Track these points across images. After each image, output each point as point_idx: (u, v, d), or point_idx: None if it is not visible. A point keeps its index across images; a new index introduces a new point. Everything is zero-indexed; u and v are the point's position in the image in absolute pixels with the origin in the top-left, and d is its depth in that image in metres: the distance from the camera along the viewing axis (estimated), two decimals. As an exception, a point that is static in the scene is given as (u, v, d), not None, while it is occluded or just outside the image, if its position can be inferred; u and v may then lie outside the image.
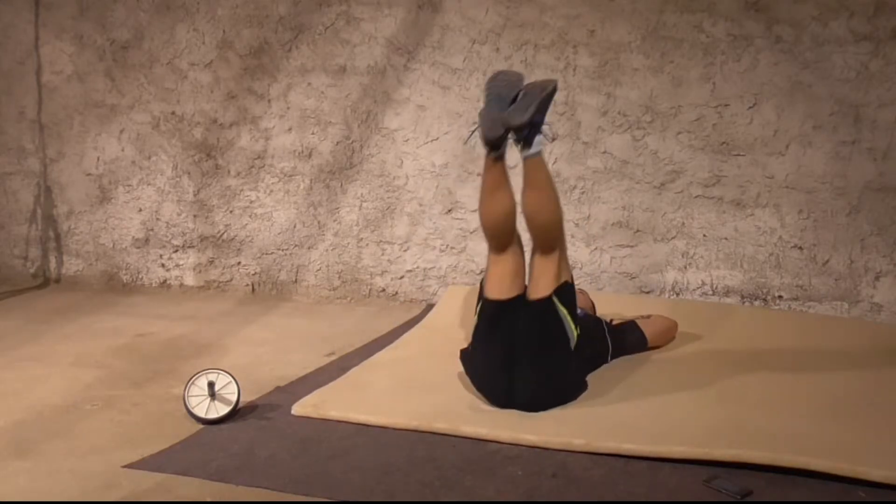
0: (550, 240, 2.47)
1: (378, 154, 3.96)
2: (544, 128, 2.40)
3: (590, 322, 2.81)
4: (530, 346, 2.40)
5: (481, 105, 2.44)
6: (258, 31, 4.04)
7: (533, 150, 2.41)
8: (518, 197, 2.50)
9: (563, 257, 2.52)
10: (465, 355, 2.56)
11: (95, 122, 4.35)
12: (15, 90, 4.46)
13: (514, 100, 2.36)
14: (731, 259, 3.57)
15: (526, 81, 2.43)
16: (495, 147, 2.41)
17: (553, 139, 2.48)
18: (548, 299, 2.42)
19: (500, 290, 2.47)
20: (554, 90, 2.41)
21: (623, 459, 2.10)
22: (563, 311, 2.44)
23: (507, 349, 2.42)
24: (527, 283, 2.51)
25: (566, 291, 2.49)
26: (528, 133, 2.37)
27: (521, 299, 2.47)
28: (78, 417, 2.47)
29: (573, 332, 2.45)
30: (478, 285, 2.62)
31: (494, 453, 2.16)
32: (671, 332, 3.01)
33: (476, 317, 2.54)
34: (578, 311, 2.85)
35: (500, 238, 2.50)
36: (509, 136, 2.39)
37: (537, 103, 2.35)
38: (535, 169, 2.44)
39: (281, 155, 4.10)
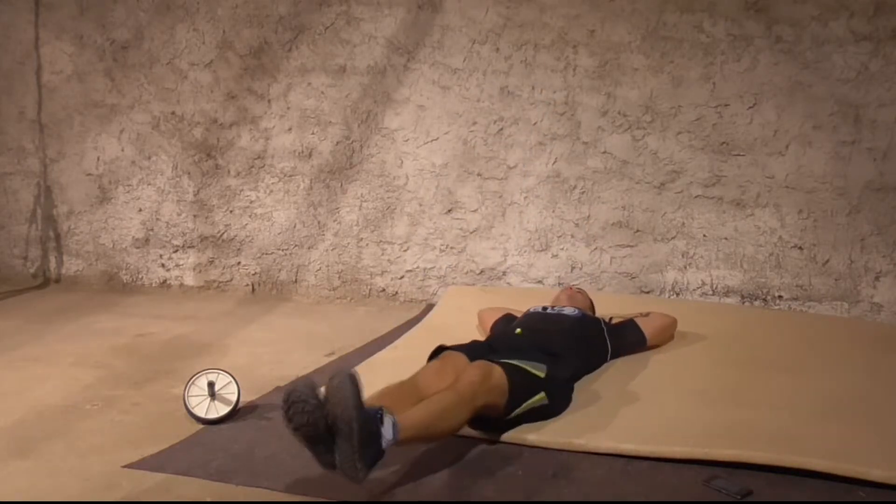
0: None
1: (378, 154, 3.96)
2: (384, 440, 1.86)
3: (584, 322, 2.80)
4: None
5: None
6: (258, 31, 4.04)
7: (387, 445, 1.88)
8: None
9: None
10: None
11: (95, 122, 4.35)
12: (15, 90, 4.46)
13: (330, 441, 1.83)
14: (731, 259, 3.57)
15: (317, 390, 1.85)
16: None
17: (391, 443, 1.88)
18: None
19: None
20: (358, 415, 1.80)
21: (623, 459, 2.10)
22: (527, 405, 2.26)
23: None
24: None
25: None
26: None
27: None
28: (78, 417, 2.47)
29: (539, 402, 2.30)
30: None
31: (494, 453, 2.16)
32: (670, 329, 3.00)
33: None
34: (573, 310, 2.84)
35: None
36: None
37: (365, 447, 1.80)
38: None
39: (281, 155, 4.10)
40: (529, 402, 2.26)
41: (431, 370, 2.33)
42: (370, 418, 1.84)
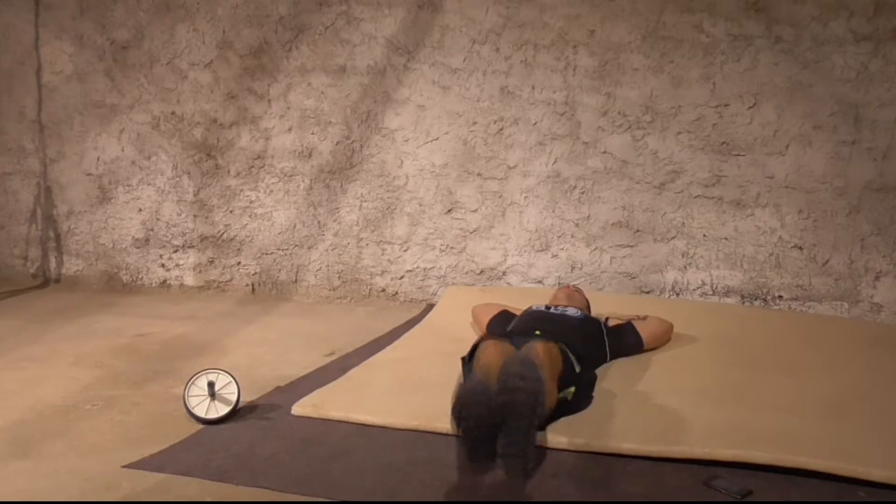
0: None
1: (378, 154, 3.96)
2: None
3: (585, 323, 2.80)
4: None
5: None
6: (258, 31, 4.04)
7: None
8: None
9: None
10: (464, 365, 2.52)
11: (95, 122, 4.35)
12: (15, 90, 4.46)
13: (493, 436, 1.92)
14: (731, 259, 3.57)
15: (493, 387, 1.96)
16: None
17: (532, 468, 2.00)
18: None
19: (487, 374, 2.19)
20: (541, 391, 1.94)
21: (623, 459, 2.10)
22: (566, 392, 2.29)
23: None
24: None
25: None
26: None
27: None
28: (78, 417, 2.47)
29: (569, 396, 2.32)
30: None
31: (494, 453, 2.16)
32: (667, 333, 3.00)
33: (464, 365, 2.43)
34: (576, 311, 2.84)
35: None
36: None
37: (530, 435, 1.91)
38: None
39: (281, 155, 4.10)
40: (563, 392, 2.27)
41: (492, 349, 2.29)
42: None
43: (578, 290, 3.14)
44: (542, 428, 2.14)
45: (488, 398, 1.96)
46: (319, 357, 3.06)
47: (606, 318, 2.94)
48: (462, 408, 1.97)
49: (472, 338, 2.76)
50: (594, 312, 3.07)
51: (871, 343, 3.04)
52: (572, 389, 2.32)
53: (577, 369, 2.37)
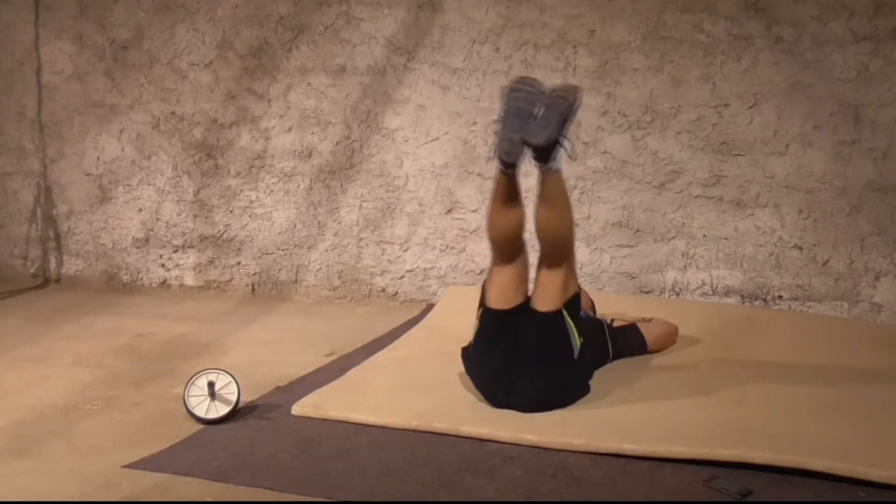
0: (560, 253, 2.44)
1: (378, 154, 3.96)
2: (565, 142, 2.30)
3: (591, 325, 2.80)
4: (532, 355, 2.38)
5: (499, 115, 2.34)
6: (258, 31, 4.04)
7: (551, 164, 2.32)
8: (529, 207, 2.45)
9: (571, 269, 2.48)
10: (466, 353, 2.56)
11: (95, 122, 4.35)
12: (15, 90, 4.46)
13: (533, 115, 2.26)
14: (731, 259, 3.57)
15: (547, 87, 2.32)
16: (511, 166, 2.33)
17: (574, 157, 2.39)
18: (556, 313, 2.39)
19: (503, 300, 2.43)
20: (577, 102, 2.29)
21: (623, 459, 2.10)
22: (569, 322, 2.41)
23: (509, 357, 2.40)
24: (531, 289, 2.48)
25: (574, 303, 2.45)
26: (548, 151, 2.28)
27: (524, 307, 2.44)
28: (78, 417, 2.47)
29: (577, 341, 2.42)
30: (479, 286, 2.60)
31: (494, 453, 2.16)
32: (672, 336, 2.99)
33: (477, 321, 2.51)
34: (581, 314, 2.85)
35: (507, 249, 2.46)
36: (527, 152, 2.31)
37: (559, 120, 2.24)
38: (552, 185, 2.37)
39: (281, 155, 4.10)
40: (575, 326, 2.40)
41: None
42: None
43: (582, 291, 3.13)
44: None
45: (538, 85, 2.32)
46: (319, 357, 3.06)
47: (612, 320, 2.94)
48: (517, 82, 2.31)
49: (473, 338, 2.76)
50: (598, 313, 3.07)
51: (871, 343, 3.04)
52: (581, 340, 2.43)
53: (580, 342, 2.43)
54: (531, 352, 2.39)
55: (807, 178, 3.46)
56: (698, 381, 2.62)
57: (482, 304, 2.51)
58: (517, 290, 2.45)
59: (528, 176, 3.73)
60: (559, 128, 2.25)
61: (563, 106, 2.26)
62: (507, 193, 2.41)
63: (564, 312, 2.40)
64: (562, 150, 2.31)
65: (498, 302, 2.44)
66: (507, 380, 2.39)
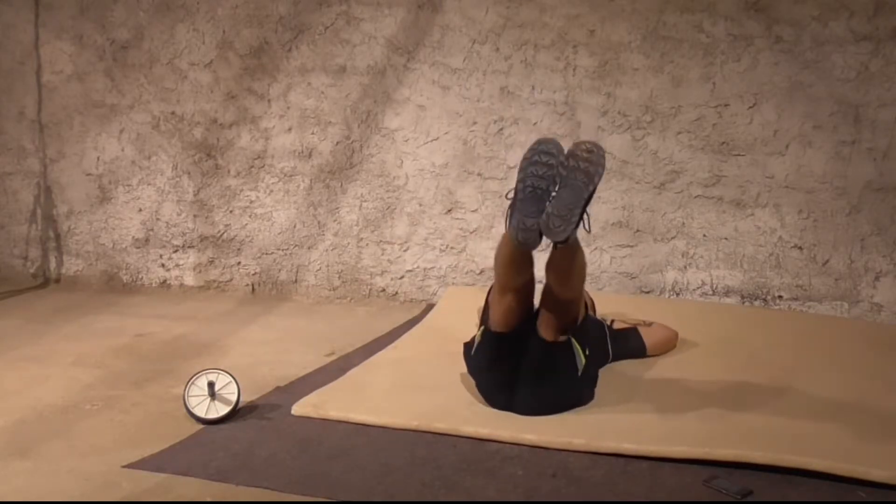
0: (568, 302, 2.35)
1: (378, 154, 3.96)
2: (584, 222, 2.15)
3: (592, 326, 2.80)
4: (535, 377, 2.35)
5: (514, 190, 2.19)
6: (258, 31, 4.04)
7: (569, 240, 2.17)
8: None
9: (580, 296, 2.40)
10: (468, 354, 2.55)
11: (95, 122, 4.35)
12: (15, 90, 4.46)
13: (550, 196, 2.10)
14: (731, 259, 3.57)
15: (566, 149, 2.16)
16: (528, 247, 2.19)
17: (589, 231, 2.19)
18: (564, 343, 2.35)
19: (505, 324, 2.37)
20: (599, 176, 2.13)
21: (623, 459, 2.10)
22: (577, 347, 2.36)
23: (510, 373, 2.37)
24: (538, 314, 2.41)
25: (582, 328, 2.40)
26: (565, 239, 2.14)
27: (528, 327, 2.38)
28: (78, 417, 2.47)
29: (582, 359, 2.39)
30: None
31: (494, 453, 2.16)
32: (671, 342, 2.98)
33: (479, 336, 2.48)
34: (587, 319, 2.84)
35: (514, 288, 2.36)
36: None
37: (580, 208, 2.09)
38: (567, 257, 2.24)
39: (281, 155, 4.10)
40: (581, 348, 2.35)
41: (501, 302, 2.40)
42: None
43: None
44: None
45: (558, 154, 2.15)
46: (319, 357, 3.06)
47: (612, 321, 2.93)
48: (535, 153, 2.14)
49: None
50: (598, 313, 3.07)
51: (871, 343, 3.04)
52: (585, 354, 2.38)
53: (585, 356, 2.39)
54: (533, 374, 2.36)
55: (807, 178, 3.46)
56: (698, 381, 2.62)
57: (483, 321, 2.48)
58: (521, 314, 2.37)
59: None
60: (579, 219, 2.11)
61: (584, 183, 2.10)
62: (519, 263, 2.30)
63: (572, 340, 2.36)
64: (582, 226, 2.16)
65: (500, 325, 2.39)
66: (508, 391, 2.38)
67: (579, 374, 2.40)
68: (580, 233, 2.20)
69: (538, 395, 2.36)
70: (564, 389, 2.40)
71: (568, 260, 2.25)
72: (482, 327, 2.48)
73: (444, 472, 2.06)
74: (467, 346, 2.57)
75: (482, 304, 3.24)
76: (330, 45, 3.96)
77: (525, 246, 2.16)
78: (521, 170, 2.17)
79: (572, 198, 2.08)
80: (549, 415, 2.37)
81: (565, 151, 2.19)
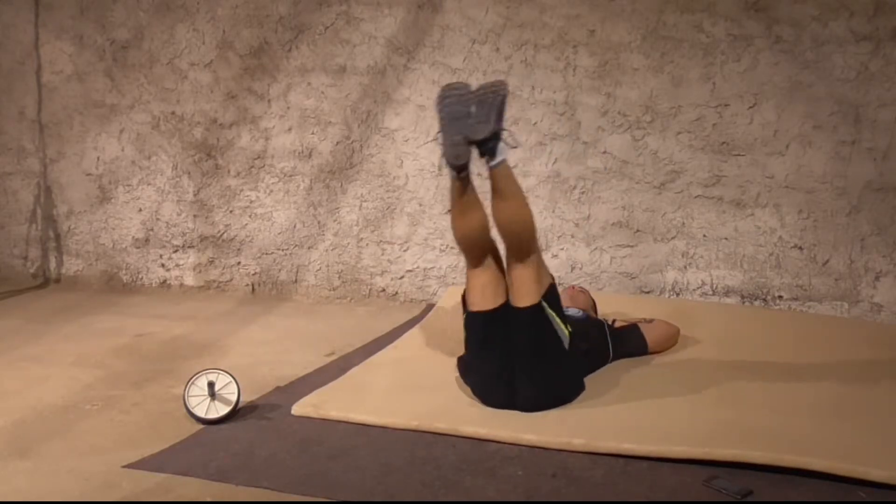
0: (525, 246, 2.45)
1: (378, 154, 3.96)
2: (504, 134, 2.35)
3: (591, 325, 2.80)
4: (525, 355, 2.40)
5: (439, 125, 2.38)
6: (258, 31, 4.04)
7: (497, 159, 2.36)
8: (487, 207, 2.48)
9: (539, 261, 2.51)
10: (462, 363, 2.56)
11: (95, 122, 4.35)
12: (15, 90, 4.46)
13: (468, 114, 2.32)
14: (731, 259, 3.57)
15: (473, 86, 2.38)
16: (462, 169, 2.37)
17: (515, 146, 2.40)
18: (536, 306, 2.41)
19: (483, 302, 2.46)
20: (506, 92, 2.34)
21: (623, 459, 2.10)
22: (551, 313, 2.43)
23: (502, 360, 2.41)
24: (508, 290, 2.49)
25: (551, 293, 2.48)
26: (492, 144, 2.34)
27: (507, 307, 2.45)
28: (78, 417, 2.47)
29: (564, 331, 2.45)
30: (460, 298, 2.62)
31: (494, 453, 2.16)
32: (673, 338, 2.99)
33: (465, 329, 2.53)
34: (577, 311, 2.85)
35: (476, 251, 2.49)
36: (473, 151, 2.35)
37: (496, 111, 2.30)
38: (502, 178, 2.41)
39: (281, 155, 4.10)
40: (558, 316, 2.43)
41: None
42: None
43: (584, 291, 3.13)
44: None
45: (465, 88, 2.37)
46: (319, 357, 3.06)
47: (613, 320, 2.93)
48: (446, 91, 2.36)
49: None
50: (599, 313, 3.07)
51: (871, 343, 3.04)
52: (569, 332, 2.46)
53: (569, 332, 2.47)
54: (523, 351, 2.40)
55: (807, 178, 3.46)
56: (698, 381, 2.62)
57: (465, 310, 2.53)
58: (496, 291, 2.47)
59: (527, 176, 3.75)
60: (497, 119, 2.31)
61: (495, 99, 2.31)
62: (464, 197, 2.44)
63: (544, 304, 2.42)
64: (503, 142, 2.36)
65: (479, 304, 2.46)
66: (505, 385, 2.40)
67: (566, 346, 2.44)
68: (510, 158, 2.42)
69: (534, 378, 2.38)
70: (557, 366, 2.43)
71: (504, 179, 2.40)
72: (465, 315, 2.53)
73: (444, 472, 2.06)
74: (461, 359, 2.58)
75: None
76: (330, 45, 3.96)
77: (459, 162, 2.33)
78: (439, 109, 2.36)
79: (487, 105, 2.30)
80: (551, 403, 2.39)
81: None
